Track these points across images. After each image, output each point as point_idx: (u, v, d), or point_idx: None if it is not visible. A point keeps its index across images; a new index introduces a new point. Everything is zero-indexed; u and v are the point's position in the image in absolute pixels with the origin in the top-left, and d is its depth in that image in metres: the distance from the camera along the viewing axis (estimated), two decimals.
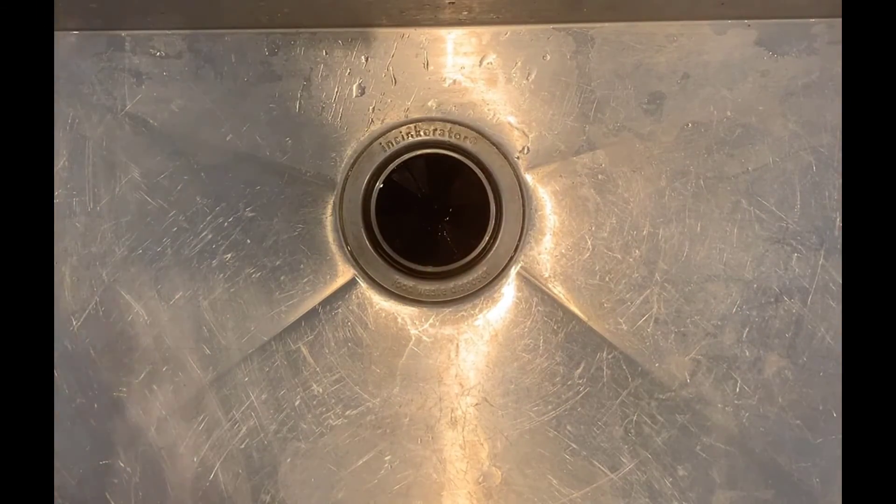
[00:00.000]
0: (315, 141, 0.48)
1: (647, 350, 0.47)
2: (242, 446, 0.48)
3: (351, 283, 0.48)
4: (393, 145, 0.48)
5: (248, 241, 0.48)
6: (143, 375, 0.48)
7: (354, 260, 0.48)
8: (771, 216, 0.47)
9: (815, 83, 0.47)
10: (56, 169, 0.47)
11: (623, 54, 0.47)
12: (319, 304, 0.48)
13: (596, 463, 0.47)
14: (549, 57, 0.48)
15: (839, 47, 0.46)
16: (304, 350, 0.48)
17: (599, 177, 0.47)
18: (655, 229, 0.47)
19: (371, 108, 0.48)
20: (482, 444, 0.48)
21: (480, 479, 0.48)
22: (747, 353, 0.47)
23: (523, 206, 0.48)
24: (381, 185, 0.49)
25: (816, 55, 0.47)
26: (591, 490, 0.47)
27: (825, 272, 0.47)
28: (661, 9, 0.46)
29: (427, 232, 0.51)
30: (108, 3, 0.44)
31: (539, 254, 0.48)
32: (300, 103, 0.48)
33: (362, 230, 0.48)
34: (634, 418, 0.47)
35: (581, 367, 0.47)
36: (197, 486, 0.48)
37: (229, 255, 0.48)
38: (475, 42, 0.48)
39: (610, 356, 0.47)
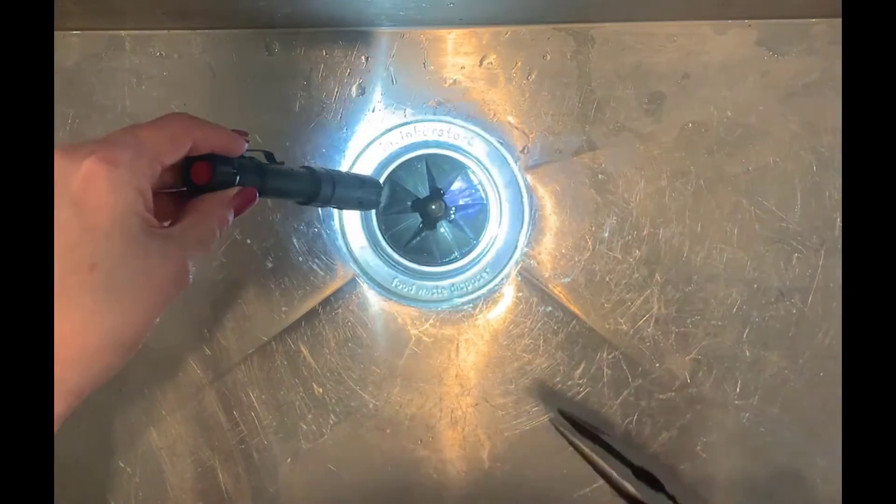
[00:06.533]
0: (315, 141, 0.48)
1: (648, 350, 0.47)
2: (243, 446, 0.48)
3: (351, 284, 0.48)
4: (393, 145, 0.48)
5: (248, 241, 0.48)
6: (143, 375, 0.48)
7: (355, 260, 0.48)
8: (771, 216, 0.47)
9: (815, 83, 0.47)
10: None
11: (623, 54, 0.47)
12: (319, 304, 0.48)
13: None
14: (549, 57, 0.47)
15: (839, 47, 0.46)
16: (304, 350, 0.48)
17: (600, 177, 0.47)
18: (656, 229, 0.47)
19: (371, 108, 0.48)
20: (482, 445, 0.48)
21: (481, 480, 0.48)
22: (748, 353, 0.47)
23: (523, 206, 0.48)
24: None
25: (817, 55, 0.47)
26: (590, 490, 0.47)
27: (825, 272, 0.47)
28: (661, 9, 0.46)
29: (427, 232, 0.51)
30: (108, 2, 0.44)
31: (539, 254, 0.48)
32: (300, 103, 0.48)
33: (363, 230, 0.48)
34: (635, 418, 0.47)
35: (581, 368, 0.47)
36: (197, 487, 0.48)
37: (230, 256, 0.48)
38: (475, 42, 0.48)
39: (610, 356, 0.47)
